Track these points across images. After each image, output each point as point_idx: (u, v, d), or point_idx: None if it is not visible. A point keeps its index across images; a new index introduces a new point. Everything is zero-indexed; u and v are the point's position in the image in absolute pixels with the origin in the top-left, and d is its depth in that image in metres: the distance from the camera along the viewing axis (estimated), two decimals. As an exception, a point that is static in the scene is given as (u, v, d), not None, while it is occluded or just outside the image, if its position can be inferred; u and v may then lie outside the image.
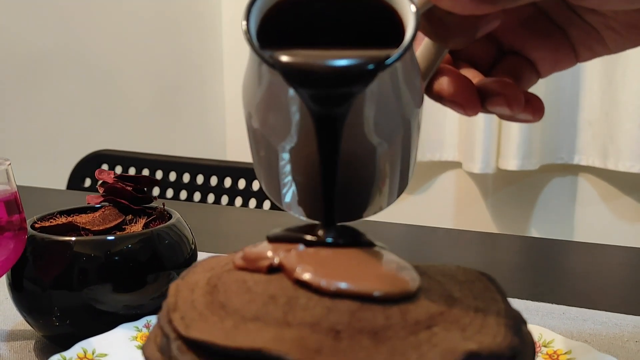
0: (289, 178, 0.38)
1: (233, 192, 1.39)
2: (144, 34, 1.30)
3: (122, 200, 0.59)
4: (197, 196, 1.41)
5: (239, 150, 1.87)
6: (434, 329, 0.31)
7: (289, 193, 0.39)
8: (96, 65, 1.15)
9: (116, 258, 0.55)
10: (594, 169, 2.14)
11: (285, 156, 0.36)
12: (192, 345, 0.31)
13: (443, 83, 0.39)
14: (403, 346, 0.29)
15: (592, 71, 2.03)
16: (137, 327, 0.53)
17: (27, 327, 0.60)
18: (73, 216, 0.60)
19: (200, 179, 1.41)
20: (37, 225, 0.58)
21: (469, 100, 0.39)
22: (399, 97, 0.35)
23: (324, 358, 0.28)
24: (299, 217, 0.40)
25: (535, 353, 0.33)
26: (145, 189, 0.61)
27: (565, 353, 0.52)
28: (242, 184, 1.38)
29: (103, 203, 0.60)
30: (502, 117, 0.40)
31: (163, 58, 1.38)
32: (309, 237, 0.36)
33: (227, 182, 1.40)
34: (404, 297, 0.33)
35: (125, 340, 0.52)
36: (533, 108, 0.39)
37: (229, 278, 0.35)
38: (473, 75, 0.41)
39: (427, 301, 0.33)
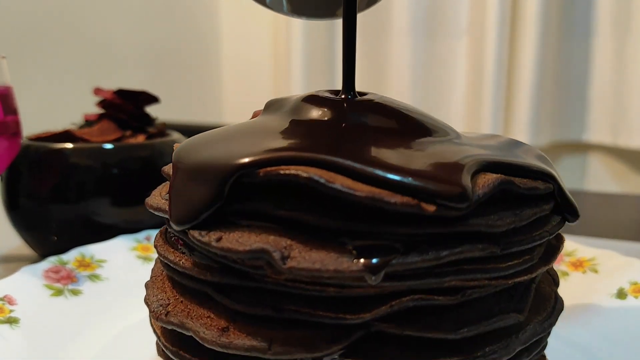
0: None
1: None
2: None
3: (121, 115, 0.56)
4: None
5: (236, 113, 1.85)
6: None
7: None
8: (90, 31, 1.13)
9: (114, 171, 0.53)
10: (604, 146, 2.11)
11: None
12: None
13: None
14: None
15: (602, 46, 2.00)
16: (137, 239, 0.51)
17: (25, 251, 0.58)
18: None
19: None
20: (32, 138, 0.55)
21: None
22: None
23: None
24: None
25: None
26: (145, 107, 0.58)
27: (590, 260, 0.49)
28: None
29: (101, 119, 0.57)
30: None
31: (158, 20, 1.36)
32: None
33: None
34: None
35: (125, 249, 0.49)
36: None
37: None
38: None
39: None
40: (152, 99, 0.58)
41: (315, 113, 0.32)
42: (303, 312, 0.26)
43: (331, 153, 0.25)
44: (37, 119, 0.57)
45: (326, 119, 0.31)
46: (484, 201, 0.25)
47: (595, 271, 0.48)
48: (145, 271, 0.47)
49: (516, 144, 0.32)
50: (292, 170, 0.25)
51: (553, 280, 0.33)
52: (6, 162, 0.49)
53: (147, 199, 0.33)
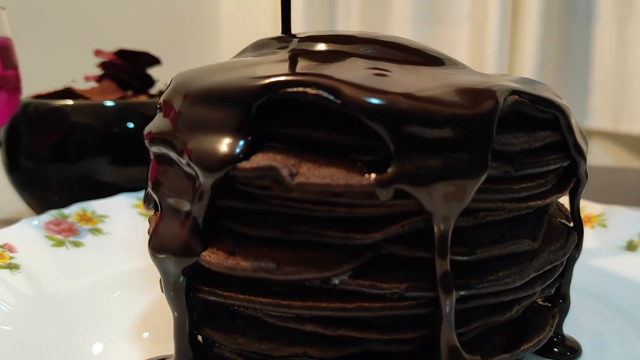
0: None
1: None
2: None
3: (122, 76, 0.55)
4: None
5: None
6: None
7: None
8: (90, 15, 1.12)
9: (116, 129, 0.52)
10: (605, 132, 2.10)
11: None
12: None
13: None
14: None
15: (604, 32, 1.98)
16: (139, 197, 0.50)
17: (26, 215, 0.57)
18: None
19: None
20: (32, 96, 0.54)
21: None
22: None
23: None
24: None
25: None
26: (146, 68, 0.58)
27: (598, 215, 0.49)
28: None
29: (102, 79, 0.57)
30: None
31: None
32: None
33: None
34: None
35: (127, 206, 0.48)
36: None
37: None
38: None
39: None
40: (154, 60, 0.57)
41: (321, 46, 0.31)
42: (312, 232, 0.25)
43: (348, 77, 0.24)
44: (36, 81, 0.56)
45: (333, 50, 0.30)
46: (499, 122, 0.25)
47: (604, 226, 0.47)
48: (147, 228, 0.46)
49: (532, 81, 0.31)
50: (308, 88, 0.24)
51: (566, 217, 0.32)
52: (5, 117, 0.48)
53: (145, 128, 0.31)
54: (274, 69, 0.26)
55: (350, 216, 0.25)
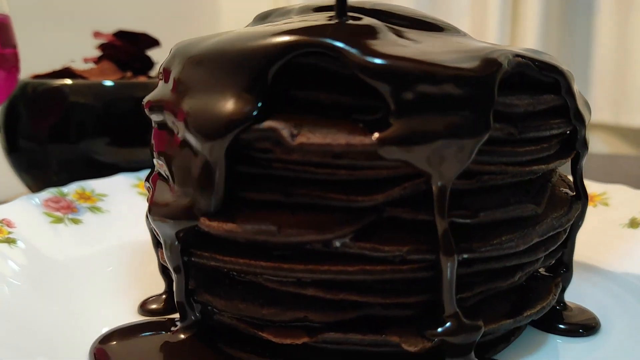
0: None
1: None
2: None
3: (121, 56, 0.55)
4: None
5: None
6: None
7: None
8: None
9: (115, 110, 0.51)
10: (605, 125, 2.10)
11: None
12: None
13: None
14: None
15: (605, 25, 1.98)
16: (139, 177, 0.50)
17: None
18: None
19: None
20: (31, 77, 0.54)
21: None
22: None
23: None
24: None
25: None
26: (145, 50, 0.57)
27: (600, 194, 0.48)
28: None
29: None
30: None
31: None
32: None
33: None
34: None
35: (127, 186, 0.48)
36: None
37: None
38: None
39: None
40: (153, 42, 0.57)
41: (323, 14, 0.31)
42: (313, 195, 0.25)
43: (351, 39, 0.24)
44: (34, 62, 0.56)
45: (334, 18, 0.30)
46: (503, 84, 0.24)
47: (606, 204, 0.47)
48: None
49: (538, 51, 0.31)
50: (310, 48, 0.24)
51: (569, 187, 0.32)
52: (4, 96, 0.48)
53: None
54: (277, 34, 0.26)
55: (351, 179, 0.24)
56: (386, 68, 0.23)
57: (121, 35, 0.56)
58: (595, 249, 0.41)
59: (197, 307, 0.27)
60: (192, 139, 0.25)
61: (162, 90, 0.29)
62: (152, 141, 0.30)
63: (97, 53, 0.57)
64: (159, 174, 0.30)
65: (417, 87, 0.23)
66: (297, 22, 0.29)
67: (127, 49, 0.55)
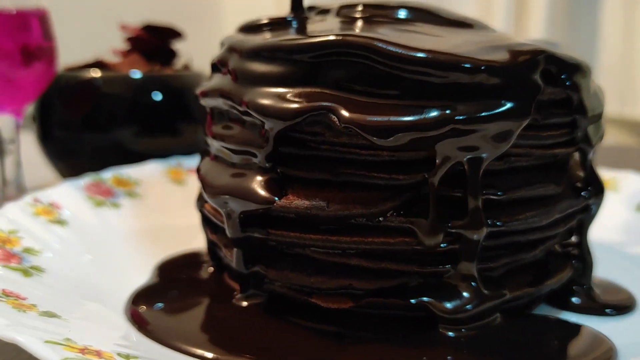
0: None
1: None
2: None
3: (149, 50, 0.57)
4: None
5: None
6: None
7: None
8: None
9: (144, 100, 0.54)
10: (610, 117, 2.11)
11: None
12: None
13: None
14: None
15: (611, 16, 1.99)
16: (169, 164, 0.52)
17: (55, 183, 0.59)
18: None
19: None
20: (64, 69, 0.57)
21: None
22: None
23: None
24: None
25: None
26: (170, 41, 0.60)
27: (609, 180, 0.51)
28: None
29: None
30: None
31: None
32: None
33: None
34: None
35: (158, 172, 0.51)
36: None
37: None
38: None
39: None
40: (177, 34, 0.59)
41: (358, 14, 0.33)
42: (358, 174, 0.27)
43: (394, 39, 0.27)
44: (64, 56, 0.58)
45: (370, 15, 0.33)
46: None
47: (615, 189, 0.49)
48: (179, 193, 0.49)
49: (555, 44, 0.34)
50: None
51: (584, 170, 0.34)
52: (43, 87, 0.50)
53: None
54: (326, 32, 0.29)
55: (393, 159, 0.27)
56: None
57: (148, 28, 0.58)
58: (608, 231, 0.43)
59: (252, 277, 0.30)
60: (257, 120, 0.28)
61: (220, 80, 0.32)
62: (207, 128, 0.33)
63: (117, 45, 0.59)
64: (216, 157, 0.32)
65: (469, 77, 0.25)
66: (333, 22, 0.32)
67: (154, 42, 0.58)
